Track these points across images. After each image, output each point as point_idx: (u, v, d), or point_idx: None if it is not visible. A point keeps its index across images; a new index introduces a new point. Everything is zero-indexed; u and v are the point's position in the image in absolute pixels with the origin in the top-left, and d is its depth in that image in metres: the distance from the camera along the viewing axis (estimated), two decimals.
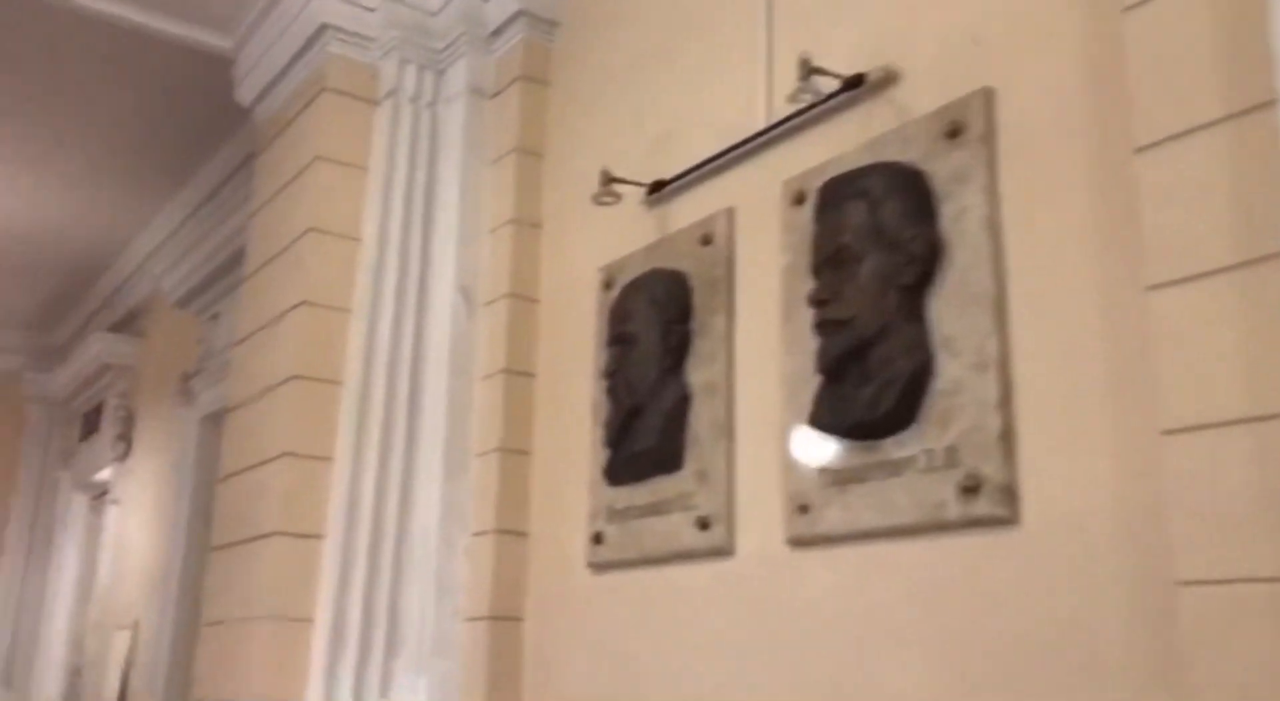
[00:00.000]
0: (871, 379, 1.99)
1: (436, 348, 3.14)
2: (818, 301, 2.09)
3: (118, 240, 6.07)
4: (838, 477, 2.05)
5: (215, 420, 5.09)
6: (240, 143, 4.81)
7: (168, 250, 5.62)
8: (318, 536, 3.03)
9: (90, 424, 6.91)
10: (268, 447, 3.13)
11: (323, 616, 2.96)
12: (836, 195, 2.11)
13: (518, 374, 3.03)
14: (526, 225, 3.12)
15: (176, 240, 5.57)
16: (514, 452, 2.98)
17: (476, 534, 2.97)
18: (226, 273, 4.93)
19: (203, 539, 5.03)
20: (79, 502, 7.12)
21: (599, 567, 2.66)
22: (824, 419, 2.08)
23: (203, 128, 4.76)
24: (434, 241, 3.22)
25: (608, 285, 2.78)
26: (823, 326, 2.08)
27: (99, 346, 6.29)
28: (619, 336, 2.61)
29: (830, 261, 2.08)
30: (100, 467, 6.54)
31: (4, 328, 7.54)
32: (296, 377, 3.10)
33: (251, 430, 3.28)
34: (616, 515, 2.59)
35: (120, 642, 5.50)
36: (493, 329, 3.08)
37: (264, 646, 2.95)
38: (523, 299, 3.07)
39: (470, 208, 3.20)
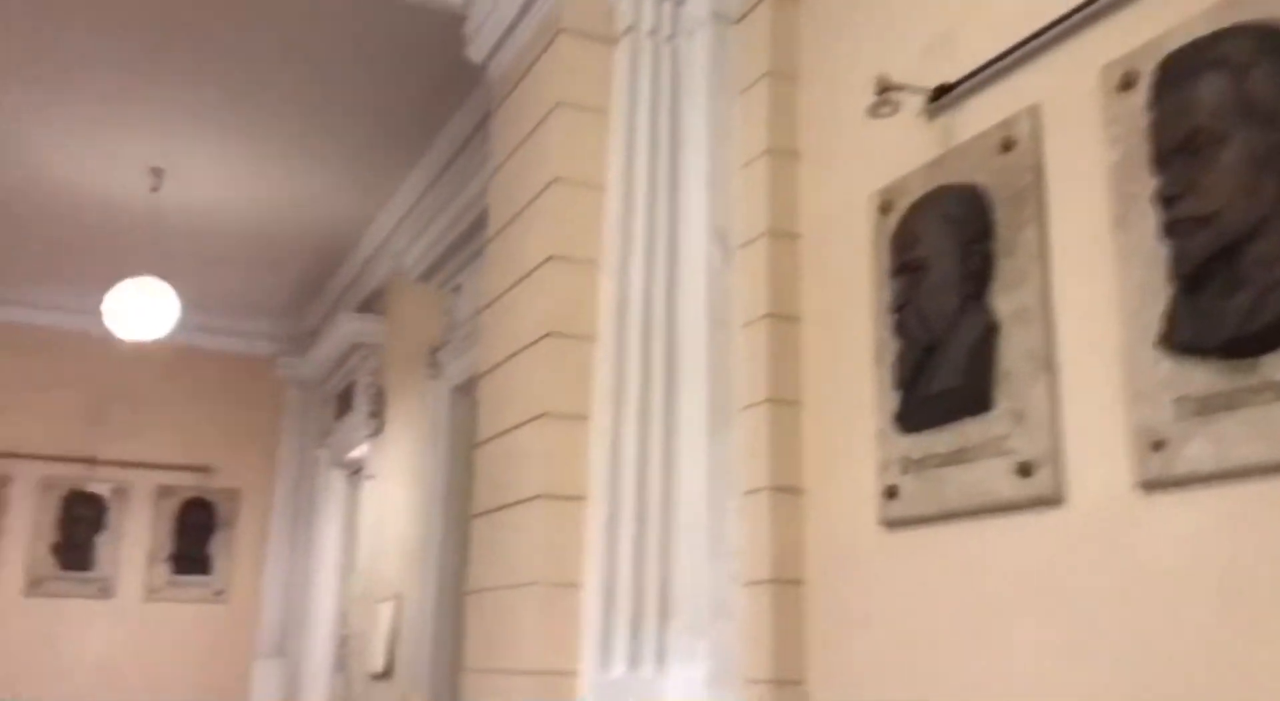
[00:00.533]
0: (1245, 285, 1.64)
1: (692, 296, 2.93)
2: (1167, 198, 1.75)
3: (360, 221, 6.19)
4: (1202, 406, 1.71)
5: (464, 391, 5.09)
6: (471, 109, 4.75)
7: (407, 226, 5.67)
8: (581, 498, 2.89)
9: (344, 403, 7.13)
10: (524, 409, 3.01)
11: (592, 582, 2.81)
12: (1183, 69, 1.76)
13: (783, 318, 2.78)
14: (783, 155, 2.86)
15: (415, 215, 5.61)
16: (783, 404, 2.74)
17: (748, 492, 2.75)
18: (466, 242, 4.91)
19: (460, 509, 5.04)
20: (338, 479, 7.37)
21: (893, 524, 2.39)
22: (1180, 337, 1.74)
23: (435, 95, 4.73)
24: (683, 182, 3.01)
25: (884, 210, 2.49)
26: (1176, 227, 1.73)
27: (347, 327, 6.45)
28: (906, 265, 2.32)
29: (1181, 149, 1.73)
30: (356, 445, 6.73)
31: (260, 315, 7.90)
32: (550, 335, 2.96)
33: (506, 392, 3.17)
34: (912, 465, 2.31)
35: (384, 614, 5.62)
36: (752, 272, 2.85)
37: (533, 614, 2.83)
38: (783, 236, 2.82)
39: (719, 143, 2.97)
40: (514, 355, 3.13)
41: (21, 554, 7.23)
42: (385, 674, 5.45)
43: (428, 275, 5.27)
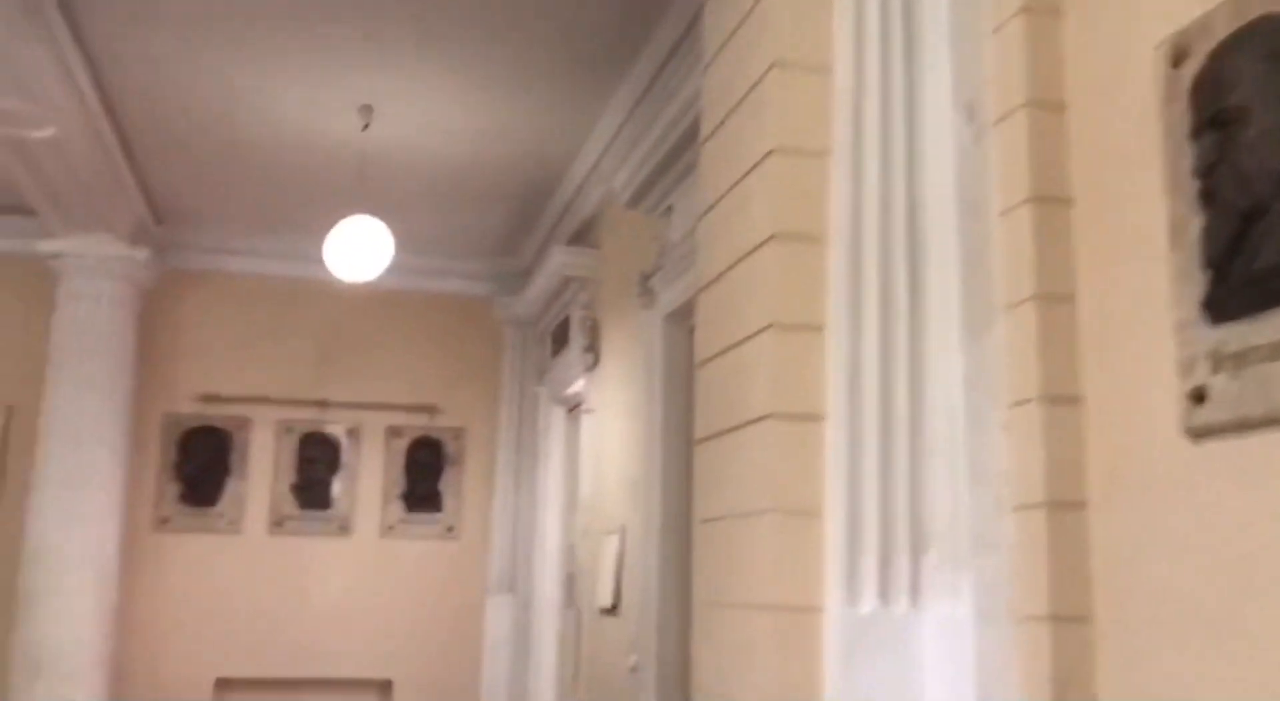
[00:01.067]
0: None
1: (937, 183, 2.56)
2: None
3: (567, 149, 6.03)
4: None
5: (678, 318, 4.87)
6: (676, 17, 4.48)
7: (615, 149, 5.47)
8: (817, 417, 2.60)
9: (559, 339, 7.05)
10: (749, 321, 2.73)
11: (834, 509, 2.53)
12: None
13: (1049, 201, 2.38)
14: (1042, 12, 2.44)
15: (622, 137, 5.39)
16: (1055, 300, 2.35)
17: (1015, 404, 2.39)
18: (675, 160, 4.64)
19: (679, 438, 4.84)
20: (558, 416, 7.34)
21: (1200, 434, 1.99)
22: None
23: (636, 6, 4.47)
24: (921, 53, 2.63)
25: (1177, 60, 2.06)
26: None
27: (559, 260, 6.33)
28: (1216, 118, 1.90)
29: None
30: (573, 380, 6.64)
31: (475, 255, 7.92)
32: (775, 237, 2.66)
33: (729, 305, 2.90)
34: (1227, 361, 1.90)
35: (609, 548, 5.51)
36: (1009, 150, 2.45)
37: (768, 545, 2.57)
38: (1046, 106, 2.41)
39: (963, 5, 2.57)
40: (735, 264, 2.85)
41: (265, 494, 7.54)
42: (613, 608, 5.35)
43: (637, 199, 5.04)
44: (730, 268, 2.88)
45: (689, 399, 4.88)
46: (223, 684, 7.26)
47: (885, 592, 2.46)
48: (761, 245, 2.70)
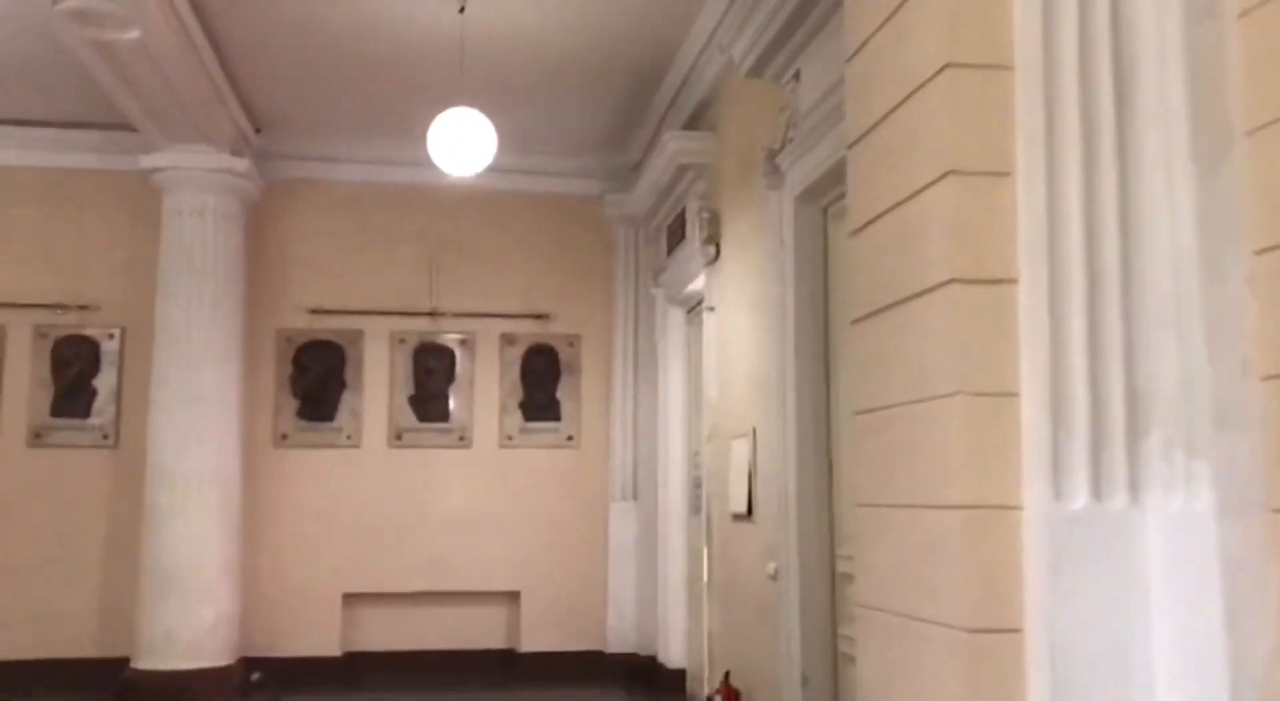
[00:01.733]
0: None
1: None
2: None
3: (678, 23, 5.57)
4: None
5: (811, 197, 4.44)
6: None
7: (731, 17, 4.99)
8: (1009, 279, 2.18)
9: (675, 234, 6.66)
10: (919, 171, 2.31)
11: (1033, 389, 2.13)
12: None
13: None
14: None
15: (737, 5, 4.90)
16: None
17: (1262, 250, 1.93)
18: (801, 19, 4.17)
19: (814, 331, 4.44)
20: (676, 317, 6.99)
21: None
22: None
23: None
24: None
25: None
26: None
27: (674, 146, 5.91)
28: None
29: None
30: (692, 277, 6.27)
31: (580, 153, 7.54)
32: (950, 67, 2.22)
33: (890, 156, 2.47)
34: None
35: (739, 452, 5.18)
36: None
37: (954, 434, 2.18)
38: None
39: None
40: (899, 105, 2.41)
41: (383, 407, 7.39)
42: (747, 514, 5.03)
43: (759, 68, 4.58)
44: (892, 111, 2.44)
45: (824, 286, 4.47)
46: (350, 598, 7.22)
47: (1098, 485, 2.05)
48: (933, 77, 2.26)
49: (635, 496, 7.36)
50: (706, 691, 5.88)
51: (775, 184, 4.63)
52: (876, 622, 2.57)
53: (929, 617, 2.28)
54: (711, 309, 5.78)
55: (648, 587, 7.15)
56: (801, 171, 4.40)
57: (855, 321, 2.69)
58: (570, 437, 7.53)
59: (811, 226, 4.48)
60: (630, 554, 7.32)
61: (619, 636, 7.27)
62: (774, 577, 4.60)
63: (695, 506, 6.62)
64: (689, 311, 6.87)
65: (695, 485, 6.63)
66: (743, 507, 5.08)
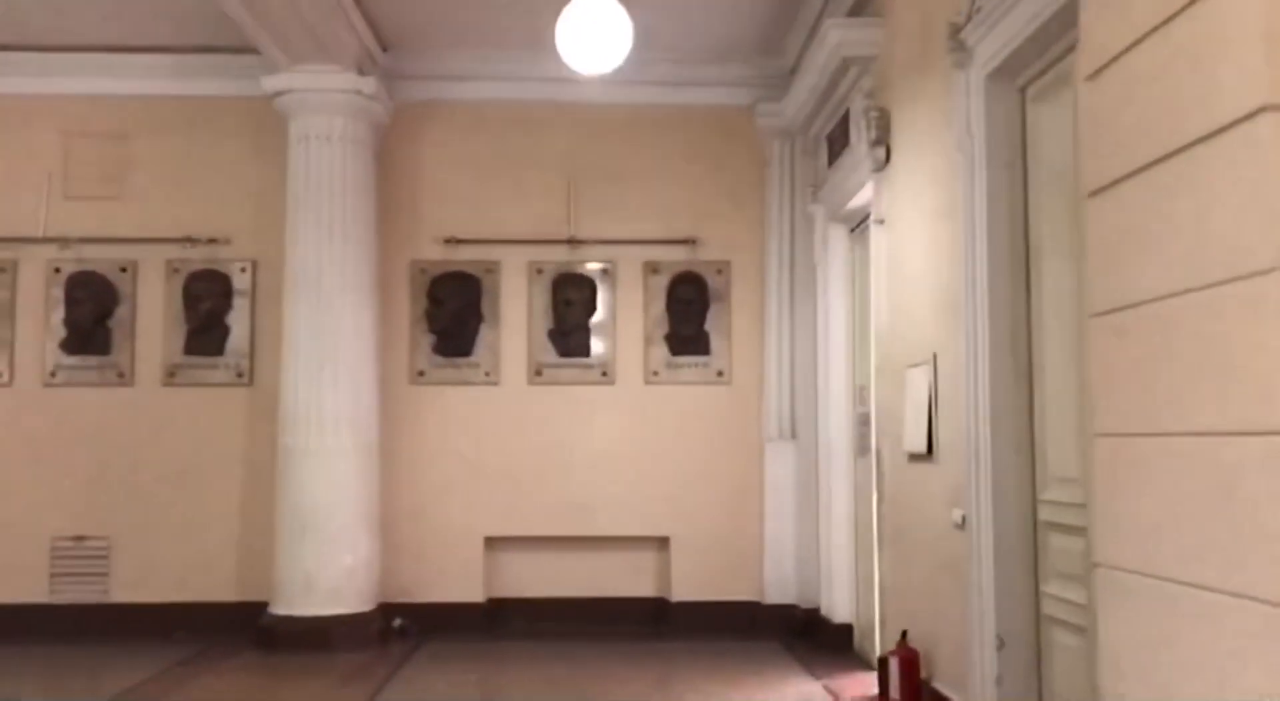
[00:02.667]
0: None
1: None
2: None
3: None
4: None
5: (1006, 74, 3.75)
6: None
7: None
8: None
9: (836, 143, 6.00)
10: None
11: None
12: None
13: None
14: None
15: None
16: None
17: None
18: None
19: (1010, 237, 3.78)
20: (837, 237, 6.35)
21: None
22: None
23: None
24: None
25: None
26: None
27: (835, 38, 5.24)
28: None
29: None
30: (856, 189, 5.62)
31: (728, 60, 6.94)
32: None
33: None
34: None
35: (917, 383, 4.55)
36: None
37: (1272, 326, 1.54)
38: None
39: None
40: None
41: (522, 342, 7.00)
42: (927, 453, 4.41)
43: None
44: None
45: (1023, 181, 3.79)
46: (492, 543, 6.90)
47: None
48: None
49: (793, 435, 6.79)
50: (879, 651, 5.32)
51: (962, 61, 3.94)
52: (1126, 588, 1.97)
53: (1218, 585, 1.67)
54: (881, 222, 5.13)
55: (808, 534, 6.60)
56: (993, 44, 3.71)
57: (1094, 194, 2.06)
58: (720, 373, 7.00)
59: (1006, 111, 3.80)
60: (788, 498, 6.76)
61: (777, 586, 6.76)
62: (961, 526, 3.99)
63: (862, 446, 6.02)
64: (853, 229, 6.21)
65: (862, 422, 6.02)
66: (921, 446, 4.46)
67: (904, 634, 4.55)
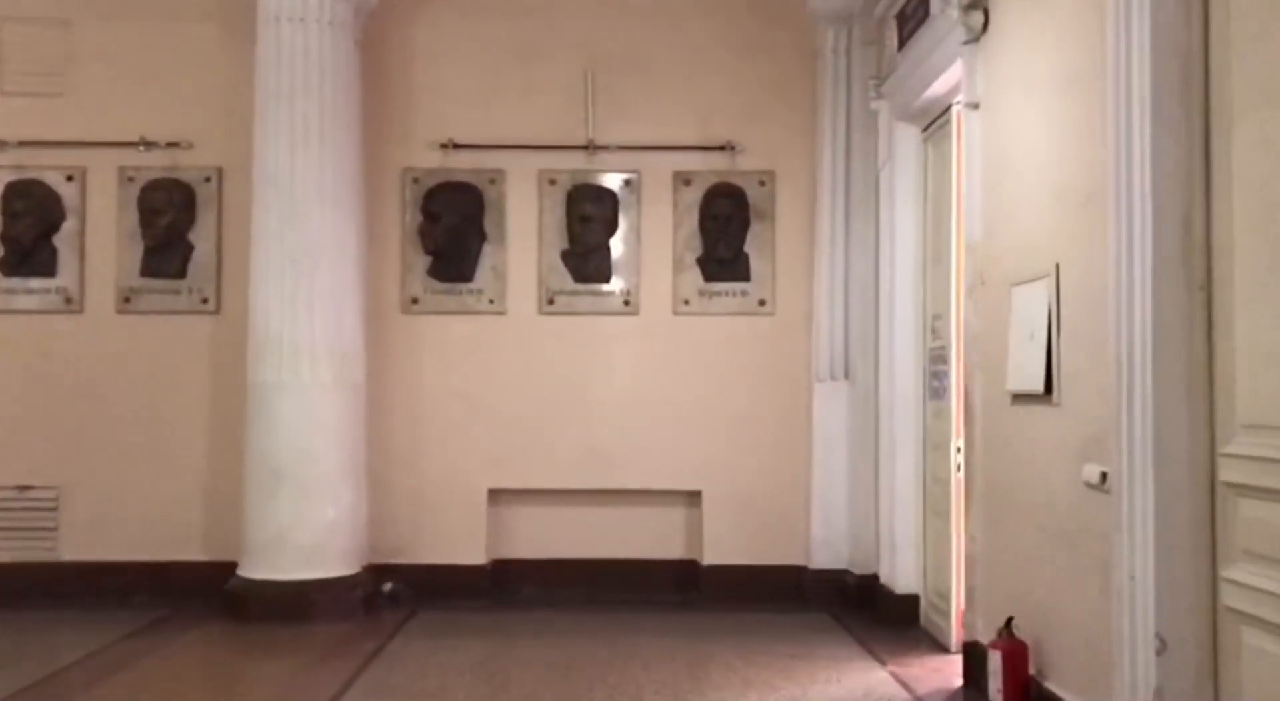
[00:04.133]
0: None
1: None
2: None
3: None
4: None
5: None
6: None
7: None
8: None
9: (910, 19, 5.02)
10: None
11: None
12: None
13: None
14: None
15: None
16: None
17: None
18: None
19: (1183, 96, 2.82)
20: (906, 138, 5.40)
21: None
22: None
23: None
24: None
25: None
26: None
27: None
28: None
29: None
30: (937, 72, 4.67)
31: None
32: None
33: None
34: None
35: (1029, 303, 3.62)
36: None
37: None
38: None
39: None
40: None
41: (531, 264, 6.09)
42: (1045, 393, 3.49)
43: None
44: None
45: (1202, 12, 2.82)
46: (497, 496, 6.04)
47: None
48: None
49: (847, 375, 5.87)
50: (955, 631, 4.46)
51: None
52: None
53: None
54: (975, 106, 4.17)
55: (864, 490, 5.72)
56: None
57: None
58: (762, 301, 6.07)
59: None
60: (840, 447, 5.86)
61: (826, 549, 5.87)
62: (1100, 486, 3.08)
63: (935, 387, 5.10)
64: (926, 128, 5.25)
65: (935, 359, 5.11)
66: (1034, 384, 3.54)
67: (1009, 622, 3.65)
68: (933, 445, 5.14)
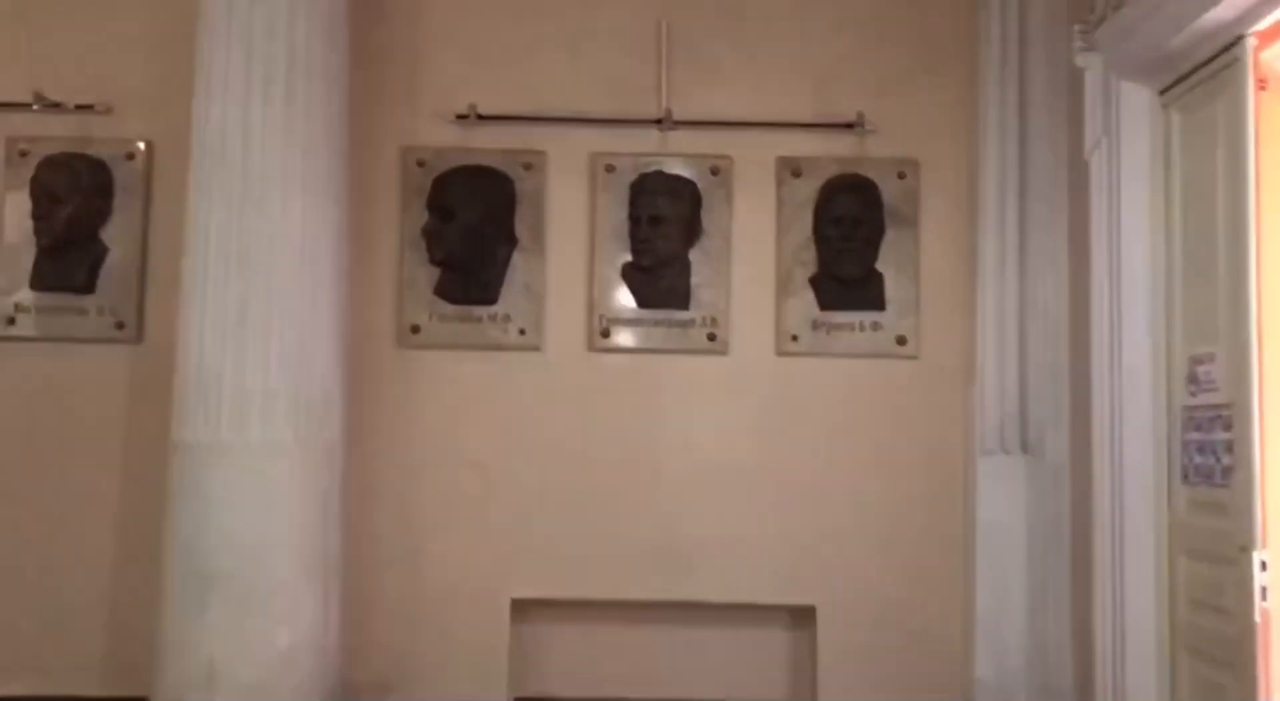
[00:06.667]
0: None
1: None
2: None
3: None
4: None
5: None
6: None
7: None
8: None
9: None
10: None
11: None
12: None
13: None
14: None
15: None
16: None
17: None
18: None
19: None
20: (1135, 105, 3.88)
21: None
22: None
23: None
24: None
25: None
26: None
27: None
28: None
29: None
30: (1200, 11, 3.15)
31: None
32: None
33: None
34: None
35: None
36: None
37: None
38: None
39: None
40: None
41: (579, 281, 4.58)
42: None
43: None
44: None
45: None
46: (524, 608, 4.45)
47: None
48: None
49: (1026, 446, 4.33)
50: None
51: None
52: None
53: None
54: None
55: (1058, 615, 4.14)
56: None
57: None
58: (902, 339, 4.53)
59: None
60: (1018, 550, 4.29)
61: (999, 692, 4.27)
62: None
63: (1196, 465, 3.55)
64: (1166, 90, 3.73)
65: (1196, 423, 3.55)
66: None
67: None
68: (1192, 552, 3.56)
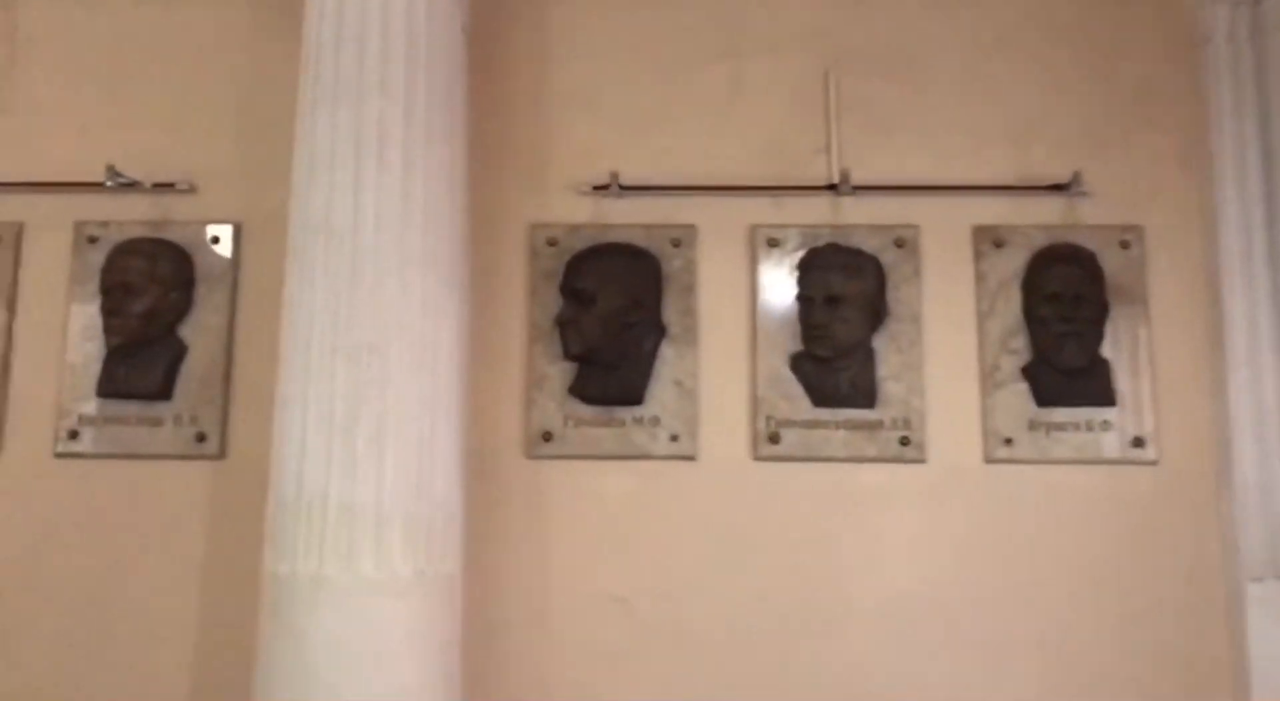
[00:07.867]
0: None
1: None
2: None
3: None
4: None
5: None
6: None
7: None
8: None
9: None
10: None
11: None
12: None
13: None
14: None
15: None
16: None
17: None
18: None
19: None
20: None
21: None
22: None
23: None
24: None
25: None
26: None
27: None
28: None
29: None
30: None
31: None
32: None
33: None
34: None
35: None
36: None
37: None
38: None
39: None
40: None
41: (740, 375, 3.89)
42: None
43: None
44: None
45: None
46: None
47: None
48: None
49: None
50: None
51: None
52: None
53: None
54: None
55: None
56: None
57: None
58: (1139, 440, 3.78)
59: None
60: None
61: None
62: None
63: None
64: None
65: None
66: None
67: None
68: None
